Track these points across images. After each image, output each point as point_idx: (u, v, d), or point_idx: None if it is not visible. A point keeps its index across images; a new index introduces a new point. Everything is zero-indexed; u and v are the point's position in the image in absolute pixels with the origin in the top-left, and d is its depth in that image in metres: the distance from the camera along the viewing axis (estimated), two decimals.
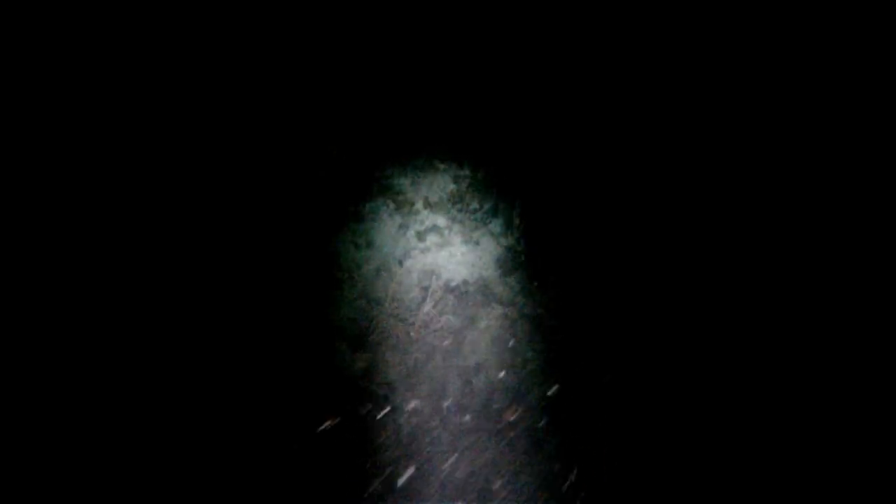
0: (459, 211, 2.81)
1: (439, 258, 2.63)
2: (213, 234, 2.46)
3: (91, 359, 2.17)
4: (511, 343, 2.36)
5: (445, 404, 2.21)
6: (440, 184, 2.85)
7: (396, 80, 3.03)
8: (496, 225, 2.77)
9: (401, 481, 2.04)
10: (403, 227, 2.71)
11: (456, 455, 2.09)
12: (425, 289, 2.52)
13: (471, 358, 2.29)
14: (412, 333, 2.40)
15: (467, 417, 2.16)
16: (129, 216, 2.38)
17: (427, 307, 2.46)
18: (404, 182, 2.83)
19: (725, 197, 2.61)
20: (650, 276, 2.59)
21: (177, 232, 2.41)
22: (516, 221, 2.78)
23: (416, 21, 3.08)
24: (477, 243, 2.73)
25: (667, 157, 2.80)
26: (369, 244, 2.62)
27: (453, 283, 2.55)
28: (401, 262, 2.59)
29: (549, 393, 2.30)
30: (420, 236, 2.69)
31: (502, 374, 2.29)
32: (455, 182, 2.86)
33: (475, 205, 2.84)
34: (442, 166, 2.89)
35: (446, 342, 2.34)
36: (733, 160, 2.65)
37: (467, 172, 2.89)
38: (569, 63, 3.03)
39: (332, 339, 2.36)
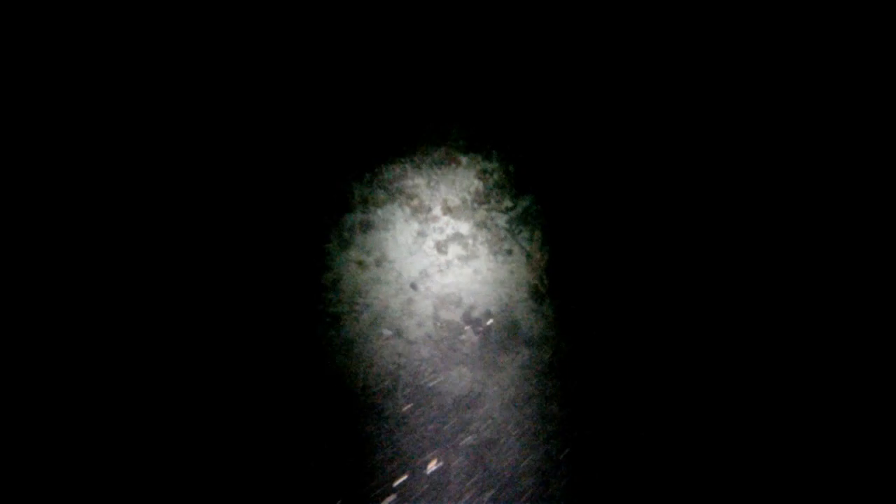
0: (487, 211, 2.31)
1: (462, 277, 2.17)
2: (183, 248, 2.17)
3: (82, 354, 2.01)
4: (538, 401, 1.87)
5: (457, 484, 1.81)
6: (462, 182, 2.34)
7: (407, 59, 2.50)
8: (528, 232, 2.24)
9: None
10: (421, 235, 2.27)
11: None
12: (441, 325, 2.08)
13: (484, 430, 1.83)
14: (403, 406, 2.00)
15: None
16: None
17: (440, 354, 2.03)
18: (419, 182, 2.35)
19: (732, 206, 2.33)
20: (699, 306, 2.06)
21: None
22: (538, 235, 2.23)
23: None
24: (510, 252, 2.24)
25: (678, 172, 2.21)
26: (378, 262, 2.21)
27: (475, 314, 2.09)
28: (415, 287, 2.16)
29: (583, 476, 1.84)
30: (440, 248, 2.24)
31: (523, 446, 1.83)
32: (480, 178, 2.34)
33: (507, 202, 2.32)
34: (464, 159, 2.38)
35: (456, 407, 1.91)
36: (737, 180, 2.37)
37: (495, 165, 2.36)
38: (618, 49, 2.36)
39: (321, 414, 2.00)
